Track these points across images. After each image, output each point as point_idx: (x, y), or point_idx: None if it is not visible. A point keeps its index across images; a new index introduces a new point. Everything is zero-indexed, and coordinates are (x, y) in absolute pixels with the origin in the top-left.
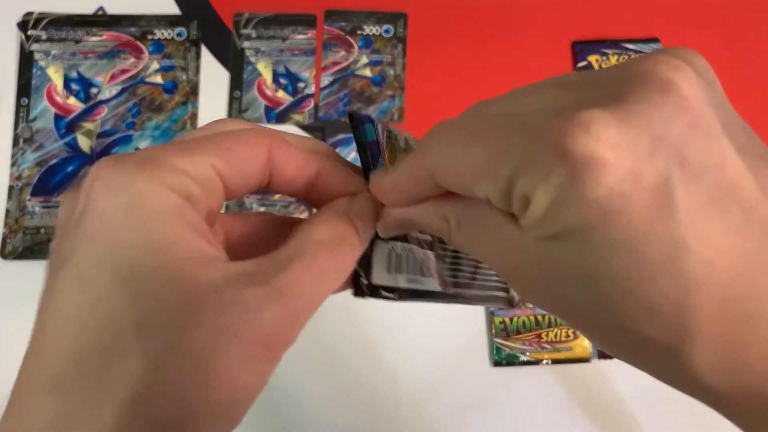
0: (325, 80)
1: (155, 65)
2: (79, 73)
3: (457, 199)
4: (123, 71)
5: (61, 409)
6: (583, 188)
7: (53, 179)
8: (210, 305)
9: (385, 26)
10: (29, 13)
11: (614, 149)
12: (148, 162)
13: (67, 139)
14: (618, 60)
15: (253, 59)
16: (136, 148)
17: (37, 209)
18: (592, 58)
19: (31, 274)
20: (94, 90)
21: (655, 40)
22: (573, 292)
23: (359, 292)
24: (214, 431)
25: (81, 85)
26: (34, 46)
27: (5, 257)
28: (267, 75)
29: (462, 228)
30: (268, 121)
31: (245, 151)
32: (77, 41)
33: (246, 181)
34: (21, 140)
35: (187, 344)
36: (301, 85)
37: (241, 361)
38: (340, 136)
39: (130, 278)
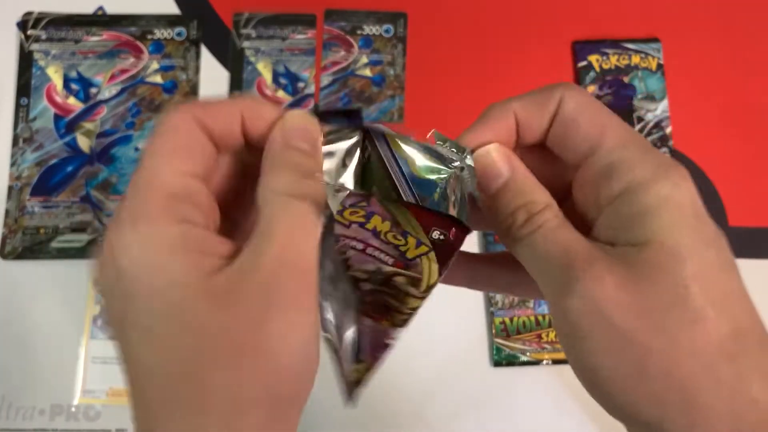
0: (325, 80)
1: (155, 65)
2: (78, 72)
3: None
4: (123, 71)
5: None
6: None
7: (53, 179)
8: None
9: (385, 26)
10: (29, 13)
11: None
12: (141, 219)
13: (67, 138)
14: (618, 60)
15: (252, 59)
16: (136, 148)
17: (36, 209)
18: (593, 58)
19: (31, 274)
20: (93, 90)
21: (655, 40)
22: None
23: None
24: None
25: (81, 85)
26: (34, 46)
27: (5, 257)
28: (267, 75)
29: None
30: None
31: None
32: (77, 41)
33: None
34: (21, 140)
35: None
36: (301, 84)
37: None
38: None
39: (158, 331)
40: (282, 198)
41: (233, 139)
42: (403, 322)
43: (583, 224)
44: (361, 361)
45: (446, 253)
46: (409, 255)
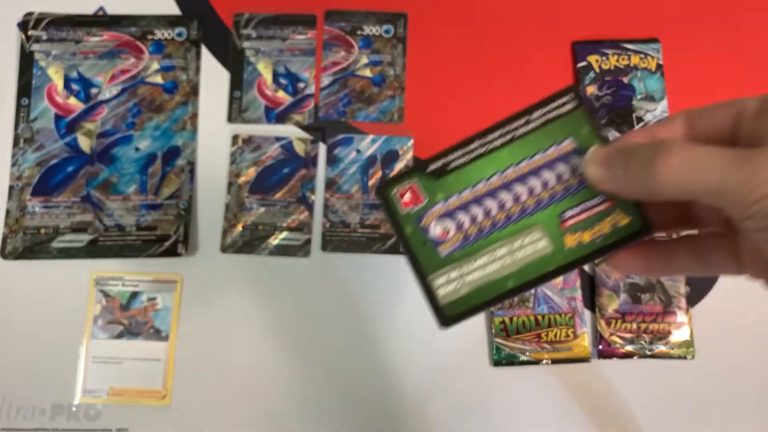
0: (325, 80)
1: (155, 65)
2: (79, 73)
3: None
4: (123, 71)
5: None
6: None
7: (53, 179)
8: None
9: (385, 26)
10: (29, 14)
11: None
12: None
13: (68, 139)
14: (617, 60)
15: (253, 59)
16: (137, 149)
17: (37, 209)
18: (592, 59)
19: (31, 274)
20: (94, 90)
21: (654, 40)
22: None
23: None
24: None
25: (81, 85)
26: (35, 47)
27: (5, 257)
28: (267, 75)
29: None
30: (268, 121)
31: None
32: (77, 41)
33: None
34: (21, 140)
35: None
36: (301, 85)
37: None
38: (340, 136)
39: None
40: None
41: None
42: None
43: None
44: None
45: None
46: None
